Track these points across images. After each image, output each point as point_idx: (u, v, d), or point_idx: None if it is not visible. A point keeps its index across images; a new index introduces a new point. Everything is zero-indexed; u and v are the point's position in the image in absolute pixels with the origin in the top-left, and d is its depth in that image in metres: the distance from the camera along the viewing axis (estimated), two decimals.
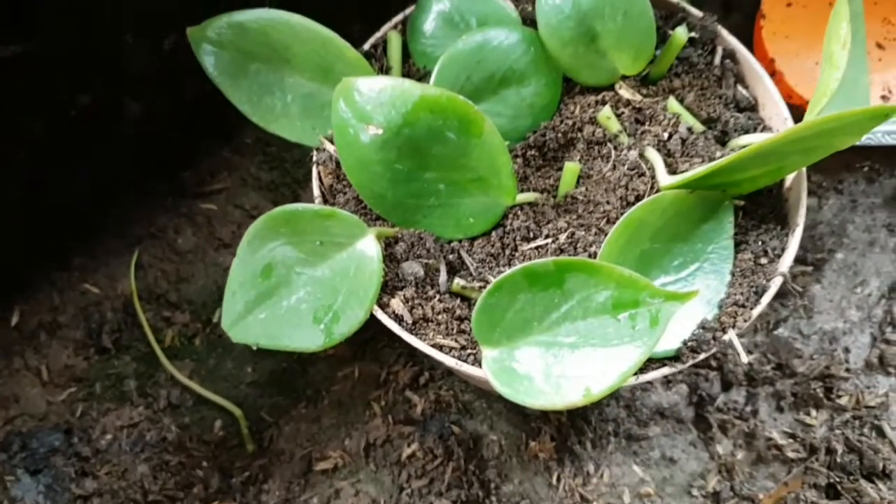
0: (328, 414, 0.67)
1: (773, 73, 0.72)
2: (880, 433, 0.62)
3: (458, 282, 0.48)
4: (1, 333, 0.72)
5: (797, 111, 0.57)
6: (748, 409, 0.65)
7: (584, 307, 0.43)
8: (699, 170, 0.45)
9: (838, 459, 0.61)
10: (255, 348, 0.49)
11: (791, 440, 0.63)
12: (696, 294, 0.42)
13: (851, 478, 0.60)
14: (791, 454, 0.62)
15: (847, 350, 0.67)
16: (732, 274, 0.48)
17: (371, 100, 0.45)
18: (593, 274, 0.43)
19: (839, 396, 0.64)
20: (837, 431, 0.63)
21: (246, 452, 0.65)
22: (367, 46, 0.55)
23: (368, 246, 0.47)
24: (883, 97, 0.74)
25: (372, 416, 0.66)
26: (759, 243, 0.49)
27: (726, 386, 0.66)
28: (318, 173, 0.52)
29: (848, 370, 0.66)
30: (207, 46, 0.50)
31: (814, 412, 0.64)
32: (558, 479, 0.63)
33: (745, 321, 0.46)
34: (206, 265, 0.73)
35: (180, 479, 0.65)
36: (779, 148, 0.44)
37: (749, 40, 0.77)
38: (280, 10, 0.50)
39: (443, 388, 0.66)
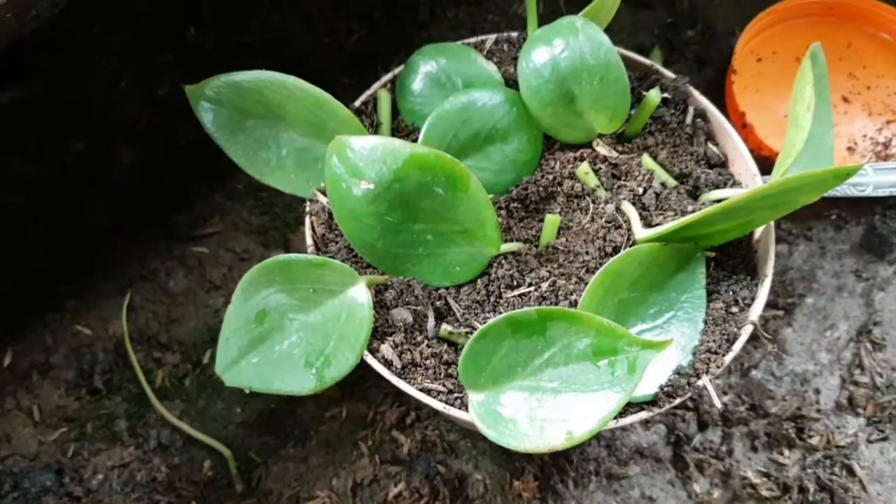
0: (316, 454, 0.68)
1: (744, 126, 0.76)
2: (850, 472, 0.65)
3: (446, 327, 0.50)
4: None
5: (767, 163, 0.60)
6: (723, 448, 0.67)
7: (566, 354, 0.45)
8: (672, 224, 0.48)
9: (810, 498, 0.63)
10: (247, 391, 0.51)
11: (765, 479, 0.65)
12: (671, 343, 0.44)
13: None
14: (765, 493, 0.65)
15: (818, 391, 0.69)
16: (705, 322, 0.50)
17: (363, 157, 0.48)
18: (574, 322, 0.45)
19: (810, 436, 0.67)
20: (809, 470, 0.65)
21: (234, 492, 0.67)
22: (357, 103, 0.58)
23: (359, 293, 0.50)
24: (849, 149, 0.78)
25: (359, 455, 0.68)
26: (731, 293, 0.51)
27: (702, 426, 0.68)
28: (311, 223, 0.54)
29: (819, 411, 0.68)
30: (205, 104, 0.53)
31: (786, 452, 0.66)
32: None
33: (718, 367, 0.48)
34: (196, 307, 0.75)
35: None
36: (747, 204, 0.47)
37: (721, 94, 0.81)
38: (274, 71, 0.52)
39: (429, 428, 0.68)
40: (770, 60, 0.83)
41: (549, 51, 0.52)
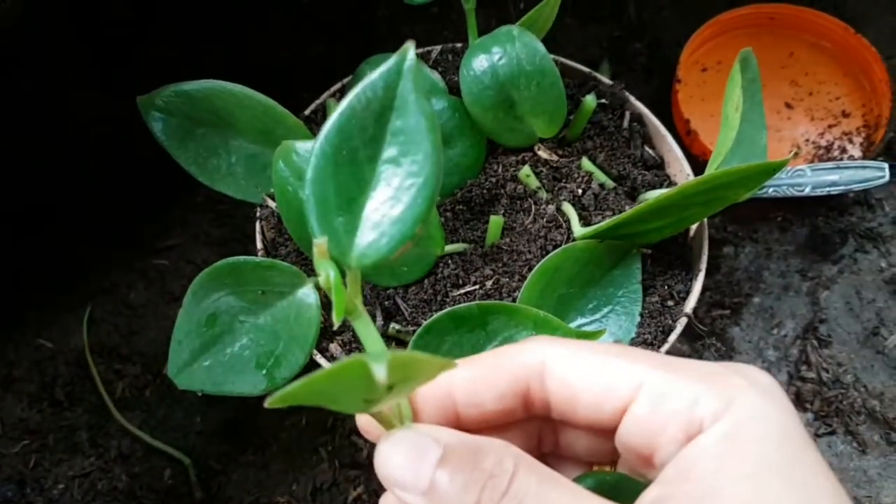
0: (276, 460, 0.69)
1: (689, 133, 0.78)
2: None
3: (394, 326, 0.52)
4: None
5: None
6: None
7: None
8: (606, 221, 0.50)
9: None
10: (199, 394, 0.52)
11: None
12: (605, 333, 0.46)
13: None
14: None
15: None
16: (642, 315, 0.52)
17: (308, 160, 0.49)
18: (513, 316, 0.47)
19: None
20: None
21: (194, 500, 0.67)
22: (307, 112, 0.60)
23: (307, 294, 0.51)
24: (795, 153, 0.81)
25: (319, 461, 0.69)
26: (666, 287, 0.53)
27: None
28: (262, 228, 0.55)
29: None
30: (156, 113, 0.54)
31: None
32: None
33: None
34: (157, 319, 0.76)
35: None
36: (678, 201, 0.49)
37: (668, 104, 0.83)
38: (224, 81, 0.54)
39: None
40: (715, 70, 0.86)
41: (488, 58, 0.54)
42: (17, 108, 0.78)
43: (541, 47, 0.54)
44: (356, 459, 0.69)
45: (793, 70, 0.86)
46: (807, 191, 0.72)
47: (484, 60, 0.54)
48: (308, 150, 0.50)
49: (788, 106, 0.84)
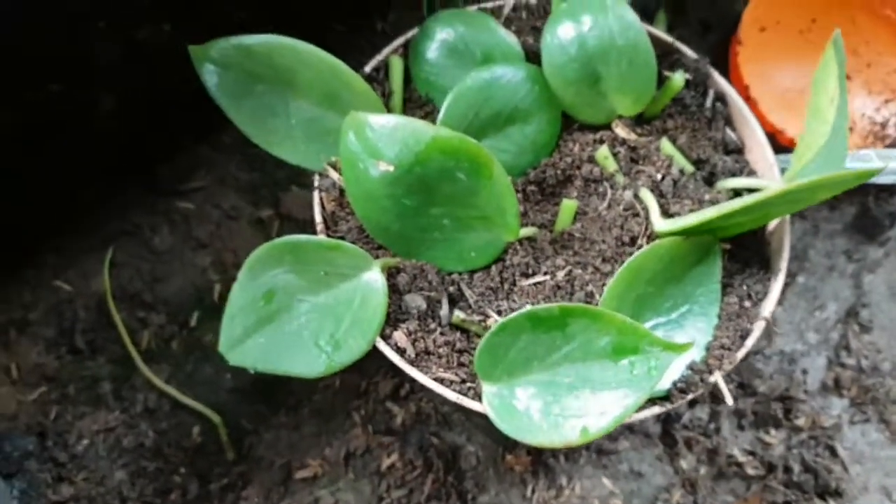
0: (308, 423, 0.68)
1: (748, 99, 0.74)
2: (833, 453, 0.67)
3: (458, 314, 0.49)
4: None
5: (770, 139, 0.59)
6: (711, 426, 0.68)
7: (585, 350, 0.45)
8: (693, 219, 0.47)
9: (795, 478, 0.65)
10: (252, 371, 0.49)
11: (751, 457, 0.67)
12: (692, 346, 0.44)
13: (806, 496, 0.64)
14: (751, 471, 0.66)
15: (805, 372, 0.71)
16: (719, 317, 0.50)
17: (383, 137, 0.46)
18: (596, 320, 0.44)
19: (797, 417, 0.68)
20: (794, 451, 0.67)
21: (225, 459, 0.66)
22: (368, 69, 0.55)
23: (374, 279, 0.48)
24: (850, 128, 0.78)
25: (352, 425, 0.67)
26: (744, 287, 0.51)
27: (692, 403, 0.69)
28: (321, 199, 0.52)
29: (806, 392, 0.70)
30: (210, 65, 0.50)
31: (773, 431, 0.68)
32: (532, 492, 0.65)
33: (731, 363, 0.48)
34: (182, 265, 0.72)
35: (158, 485, 0.65)
36: (767, 203, 0.47)
37: (725, 62, 0.79)
38: (282, 36, 0.49)
39: (423, 400, 0.68)
40: (773, 30, 0.81)
41: (576, 27, 0.50)
42: (33, 34, 0.72)
43: (636, 21, 0.49)
44: (390, 426, 0.67)
45: (853, 38, 0.82)
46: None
47: (571, 29, 0.50)
48: (384, 125, 0.46)
49: (847, 77, 0.80)
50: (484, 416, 0.51)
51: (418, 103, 0.55)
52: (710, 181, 0.54)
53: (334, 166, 0.52)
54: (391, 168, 0.46)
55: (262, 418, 0.68)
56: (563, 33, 0.50)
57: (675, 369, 0.48)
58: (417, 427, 0.67)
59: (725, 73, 0.78)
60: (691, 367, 0.48)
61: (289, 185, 0.75)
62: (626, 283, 0.47)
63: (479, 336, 0.49)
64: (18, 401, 0.68)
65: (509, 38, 0.53)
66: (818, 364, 0.71)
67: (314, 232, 0.72)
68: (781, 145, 0.73)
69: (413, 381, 0.68)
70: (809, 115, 0.53)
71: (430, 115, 0.54)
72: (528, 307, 0.45)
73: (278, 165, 0.76)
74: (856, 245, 0.76)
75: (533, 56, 0.54)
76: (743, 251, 0.53)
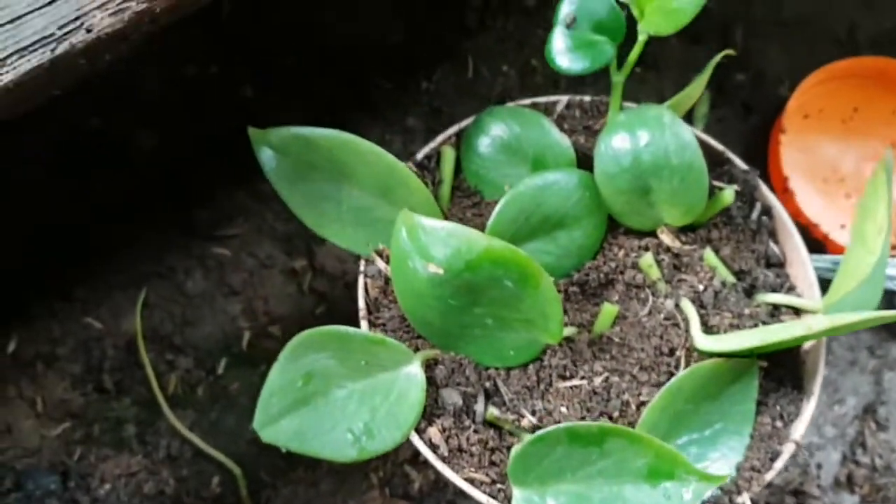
0: (326, 481, 0.68)
1: (785, 191, 0.75)
2: None
3: (493, 411, 0.50)
4: None
5: (802, 232, 0.59)
6: None
7: (620, 469, 0.46)
8: (735, 344, 0.48)
9: None
10: (283, 451, 0.50)
11: None
12: (727, 478, 0.44)
13: None
14: None
15: (819, 466, 0.71)
16: (751, 436, 0.51)
17: (435, 241, 0.46)
18: (634, 442, 0.45)
19: None
20: None
21: None
22: (420, 156, 0.56)
23: (414, 373, 0.49)
24: None
25: (369, 487, 0.68)
26: (777, 407, 0.52)
27: None
28: (365, 285, 0.52)
29: (819, 486, 0.70)
30: (268, 150, 0.51)
31: None
32: None
33: (759, 485, 0.49)
34: (213, 311, 0.73)
35: None
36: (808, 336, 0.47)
37: (764, 146, 0.80)
38: (344, 132, 0.50)
39: None
40: (816, 118, 0.82)
41: (631, 140, 0.50)
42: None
43: (693, 141, 0.50)
44: (407, 491, 0.68)
45: (894, 129, 0.82)
46: None
47: (626, 141, 0.50)
48: (437, 230, 0.46)
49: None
50: None
51: (466, 193, 0.56)
52: (749, 293, 0.55)
53: (380, 254, 0.52)
54: (440, 271, 0.46)
55: (281, 472, 0.68)
56: (617, 144, 0.50)
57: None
58: (434, 495, 0.67)
59: (764, 156, 0.79)
60: (721, 486, 0.49)
61: (324, 241, 0.75)
62: (665, 402, 0.48)
63: (511, 434, 0.50)
64: (42, 435, 0.69)
65: (563, 141, 0.54)
66: (833, 459, 0.72)
67: (348, 297, 0.73)
68: (815, 239, 0.73)
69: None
70: (854, 240, 0.53)
71: (477, 206, 0.55)
72: (568, 423, 0.45)
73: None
74: (879, 342, 0.76)
75: (583, 157, 0.55)
76: (778, 369, 0.53)
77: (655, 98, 0.80)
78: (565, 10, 0.49)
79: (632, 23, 0.50)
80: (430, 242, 0.46)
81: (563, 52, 0.49)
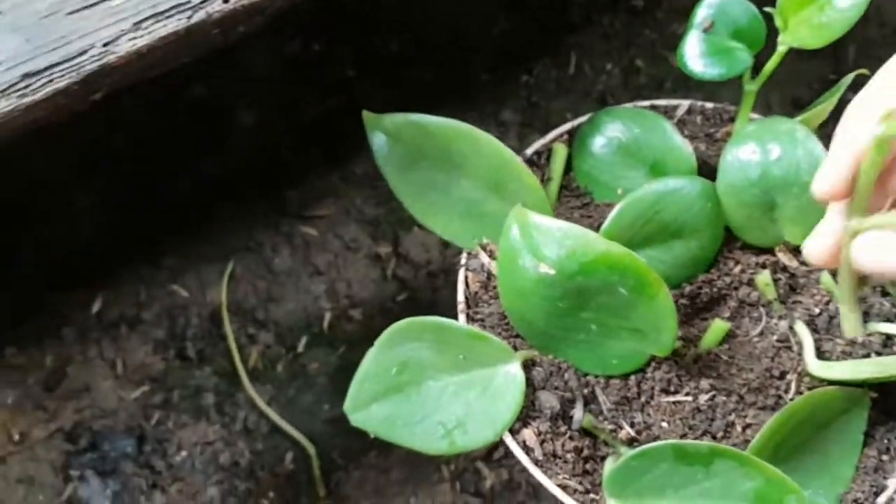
0: (397, 468, 0.68)
1: None
2: None
3: (590, 419, 0.48)
4: (80, 318, 0.72)
5: None
6: None
7: (725, 490, 0.44)
8: (850, 373, 0.46)
9: None
10: (372, 437, 0.50)
11: None
12: None
13: None
14: None
15: None
16: (856, 468, 0.48)
17: (549, 241, 0.45)
18: (743, 464, 0.43)
19: None
20: None
21: (314, 492, 0.67)
22: (530, 152, 0.54)
23: (514, 372, 0.48)
24: None
25: (440, 479, 0.67)
26: (885, 441, 0.49)
27: None
28: (466, 278, 0.51)
29: None
30: (381, 135, 0.50)
31: None
32: None
33: None
34: (297, 290, 0.73)
35: None
36: None
37: None
38: (460, 122, 0.49)
39: (515, 468, 0.67)
40: None
41: (761, 153, 0.48)
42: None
43: (824, 156, 0.48)
44: (479, 488, 0.67)
45: None
46: None
47: (756, 153, 0.49)
48: (551, 229, 0.45)
49: None
50: None
51: (575, 193, 0.54)
52: (863, 320, 0.52)
53: (484, 248, 0.51)
54: (552, 272, 0.45)
55: (353, 456, 0.68)
56: (746, 156, 0.49)
57: None
58: (506, 494, 0.67)
59: None
60: None
61: (411, 225, 0.75)
62: (776, 427, 0.46)
63: (606, 444, 0.49)
64: (120, 397, 0.70)
65: (685, 147, 0.52)
66: None
67: (430, 286, 0.73)
68: None
69: (507, 446, 0.68)
70: None
71: (585, 207, 0.53)
72: (675, 441, 0.44)
73: (403, 206, 0.76)
74: None
75: (702, 164, 0.53)
76: (889, 398, 0.51)
77: (762, 110, 0.78)
78: (703, 14, 0.47)
79: (771, 32, 0.48)
80: (543, 241, 0.45)
81: (697, 57, 0.47)
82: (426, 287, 0.74)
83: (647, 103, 0.55)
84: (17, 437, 0.68)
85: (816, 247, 0.44)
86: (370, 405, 0.49)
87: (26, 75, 0.38)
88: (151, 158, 0.74)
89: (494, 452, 0.68)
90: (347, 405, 0.50)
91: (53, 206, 0.72)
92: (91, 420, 0.68)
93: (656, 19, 0.81)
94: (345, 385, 0.65)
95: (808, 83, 0.80)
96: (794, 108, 0.56)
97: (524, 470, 0.67)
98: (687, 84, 0.78)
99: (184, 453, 0.67)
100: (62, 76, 0.38)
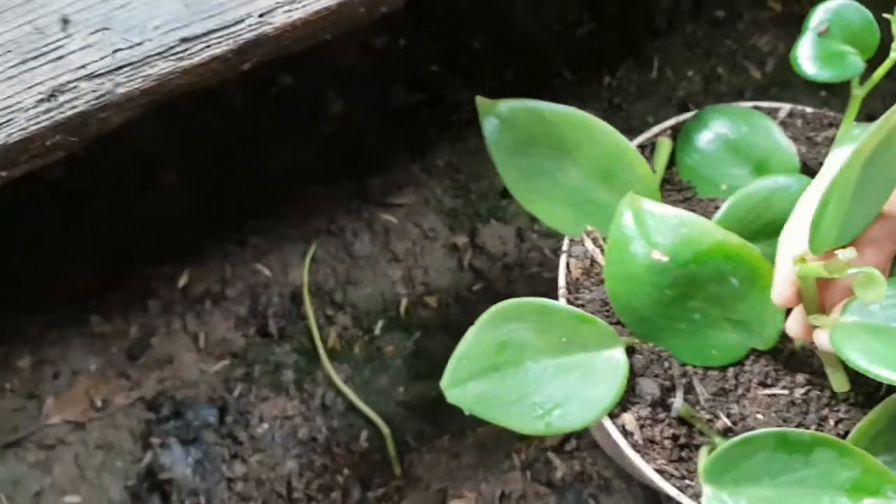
0: (469, 453, 0.69)
1: None
2: None
3: (688, 408, 0.50)
4: (166, 292, 0.74)
5: None
6: None
7: (822, 479, 0.45)
8: None
9: None
10: (467, 413, 0.51)
11: None
12: None
13: None
14: None
15: None
16: None
17: (664, 229, 0.46)
18: (844, 454, 0.44)
19: None
20: None
21: (388, 471, 0.68)
22: (634, 144, 0.56)
23: (617, 357, 0.49)
24: None
25: (511, 467, 0.69)
26: None
27: None
28: (568, 264, 0.53)
29: None
30: (494, 120, 0.52)
31: None
32: None
33: None
34: (375, 274, 0.75)
35: (323, 481, 0.67)
36: None
37: None
38: (575, 108, 0.51)
39: (587, 460, 0.68)
40: None
41: None
42: None
43: None
44: (550, 478, 0.68)
45: None
46: None
47: None
48: (667, 216, 0.46)
49: None
50: (643, 486, 0.51)
51: (677, 186, 0.55)
52: None
53: (588, 234, 0.53)
54: (665, 258, 0.46)
55: (426, 438, 0.70)
56: None
57: None
58: (576, 485, 0.68)
59: None
60: None
61: (489, 217, 0.76)
62: (874, 420, 0.47)
63: (701, 433, 0.50)
64: (201, 370, 0.71)
65: (790, 147, 0.53)
66: None
67: (505, 278, 0.74)
68: None
69: (580, 437, 0.70)
70: None
71: (688, 201, 0.55)
72: (778, 429, 0.45)
73: (482, 196, 0.78)
74: None
75: (803, 166, 0.54)
76: None
77: (862, 117, 0.79)
78: (819, 18, 0.49)
79: (885, 38, 0.49)
80: (657, 228, 0.46)
81: (810, 59, 0.49)
82: (501, 279, 0.75)
83: (750, 104, 0.56)
84: (99, 404, 0.70)
85: (779, 295, 0.44)
86: (467, 382, 0.51)
87: (184, 39, 0.40)
88: (242, 140, 0.76)
89: (566, 443, 0.69)
90: (444, 381, 0.51)
91: (150, 180, 0.74)
92: (173, 390, 0.70)
93: (737, 30, 0.82)
94: (419, 369, 0.67)
95: (884, 99, 0.81)
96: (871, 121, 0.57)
97: (596, 462, 0.69)
98: (767, 94, 0.79)
99: (265, 426, 0.68)
100: (219, 43, 0.40)
